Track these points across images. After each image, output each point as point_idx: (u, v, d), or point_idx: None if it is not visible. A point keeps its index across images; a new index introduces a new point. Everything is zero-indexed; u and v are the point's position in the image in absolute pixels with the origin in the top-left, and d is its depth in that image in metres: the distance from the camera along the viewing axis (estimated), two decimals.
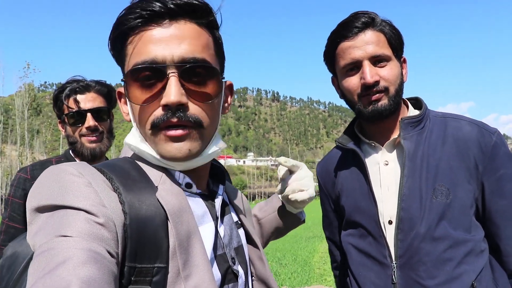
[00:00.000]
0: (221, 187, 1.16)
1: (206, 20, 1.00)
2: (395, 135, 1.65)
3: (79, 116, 2.19)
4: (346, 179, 1.76)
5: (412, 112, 1.70)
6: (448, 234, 1.49)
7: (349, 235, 1.74)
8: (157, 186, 0.95)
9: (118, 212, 0.83)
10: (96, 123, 2.20)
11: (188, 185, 1.04)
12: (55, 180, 0.84)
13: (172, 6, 0.93)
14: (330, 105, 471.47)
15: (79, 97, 2.20)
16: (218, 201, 1.09)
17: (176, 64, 0.92)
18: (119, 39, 0.98)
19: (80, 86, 2.22)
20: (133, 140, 1.02)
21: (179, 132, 0.94)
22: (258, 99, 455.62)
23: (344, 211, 1.75)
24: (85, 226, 0.77)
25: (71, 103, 2.19)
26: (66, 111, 2.20)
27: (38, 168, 2.22)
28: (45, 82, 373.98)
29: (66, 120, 2.22)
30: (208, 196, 1.10)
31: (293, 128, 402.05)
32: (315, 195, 1.44)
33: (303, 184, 1.40)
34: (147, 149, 0.99)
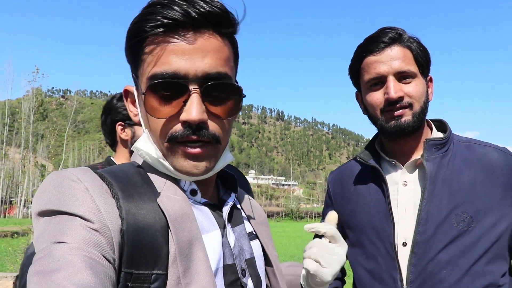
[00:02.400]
0: (232, 195, 1.12)
1: (230, 30, 0.98)
2: (417, 155, 1.60)
3: None
4: (362, 195, 1.70)
5: (436, 134, 1.66)
6: (465, 263, 1.42)
7: (357, 254, 1.68)
8: (160, 192, 0.94)
9: (114, 218, 0.83)
10: None
11: (193, 192, 1.02)
12: (54, 185, 0.85)
13: (196, 16, 0.89)
14: (334, 127, 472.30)
15: None
16: (225, 210, 1.07)
17: (199, 79, 0.90)
18: (137, 44, 0.94)
19: None
20: (145, 147, 0.99)
21: (197, 150, 0.93)
22: (262, 117, 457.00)
23: (354, 228, 1.70)
24: (81, 232, 0.77)
25: None
26: None
27: None
28: (52, 88, 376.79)
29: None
30: (216, 205, 1.07)
31: (296, 148, 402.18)
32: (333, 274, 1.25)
33: (325, 258, 1.24)
34: (159, 158, 0.97)
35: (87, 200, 0.82)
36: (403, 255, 1.51)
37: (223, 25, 0.95)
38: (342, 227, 1.79)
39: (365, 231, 1.64)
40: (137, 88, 1.00)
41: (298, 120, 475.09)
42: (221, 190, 1.15)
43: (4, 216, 55.85)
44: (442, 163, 1.54)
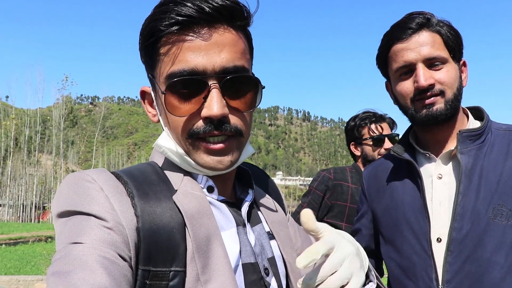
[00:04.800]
0: (250, 192, 1.11)
1: (244, 23, 0.97)
2: (451, 146, 1.52)
3: (380, 140, 2.88)
4: (397, 190, 1.64)
5: (473, 123, 1.57)
6: (506, 260, 1.34)
7: (391, 250, 1.62)
8: (176, 190, 0.94)
9: (129, 216, 0.83)
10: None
11: (210, 189, 1.01)
12: (70, 186, 0.87)
13: (210, 11, 0.88)
14: None
15: (382, 125, 2.92)
16: (244, 208, 1.05)
17: (217, 74, 0.90)
18: (152, 44, 0.94)
19: (379, 117, 2.96)
20: (166, 144, 0.99)
21: (220, 145, 0.93)
22: (289, 118, 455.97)
23: (389, 224, 1.63)
24: (96, 232, 0.78)
25: (375, 129, 2.91)
26: (368, 135, 2.93)
27: (339, 172, 3.01)
28: (81, 95, 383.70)
29: (367, 142, 2.94)
30: (234, 204, 1.06)
31: (323, 149, 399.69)
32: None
33: (344, 274, 0.83)
34: (182, 154, 0.97)
35: (101, 199, 0.83)
36: (438, 252, 1.45)
37: (237, 18, 0.94)
38: (376, 223, 1.76)
39: (399, 227, 1.57)
40: (154, 88, 1.00)
41: (324, 121, 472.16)
42: (238, 189, 1.14)
43: (38, 221, 57.18)
44: (478, 155, 1.45)
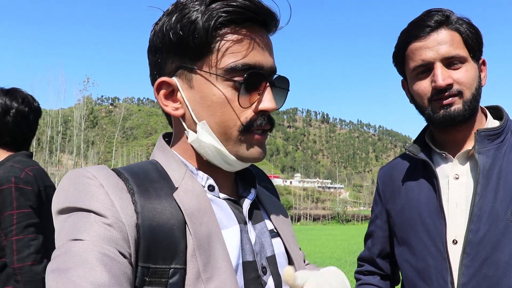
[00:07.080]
0: (252, 191, 1.11)
1: (274, 32, 1.02)
2: (468, 146, 1.48)
3: None
4: (412, 191, 1.58)
5: (491, 122, 1.52)
6: None
7: (405, 252, 1.57)
8: (177, 187, 0.94)
9: (129, 213, 0.83)
10: None
11: (211, 187, 1.01)
12: (71, 183, 0.87)
13: (264, 11, 0.94)
14: (380, 129, 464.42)
15: None
16: (245, 205, 1.06)
17: (270, 73, 0.97)
18: (204, 34, 0.92)
19: None
20: (208, 139, 0.97)
21: (264, 137, 0.99)
22: (307, 120, 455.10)
23: (403, 225, 1.58)
24: (95, 228, 0.78)
25: None
26: None
27: None
28: (102, 96, 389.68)
29: None
30: (235, 201, 1.06)
31: (342, 151, 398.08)
32: None
33: None
34: (222, 147, 0.97)
35: (101, 195, 0.83)
36: (454, 254, 1.40)
37: (274, 26, 1.00)
38: (391, 224, 1.69)
39: (414, 228, 1.53)
40: (187, 79, 0.97)
41: (343, 123, 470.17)
42: (240, 187, 1.13)
43: None
44: (497, 155, 1.41)
